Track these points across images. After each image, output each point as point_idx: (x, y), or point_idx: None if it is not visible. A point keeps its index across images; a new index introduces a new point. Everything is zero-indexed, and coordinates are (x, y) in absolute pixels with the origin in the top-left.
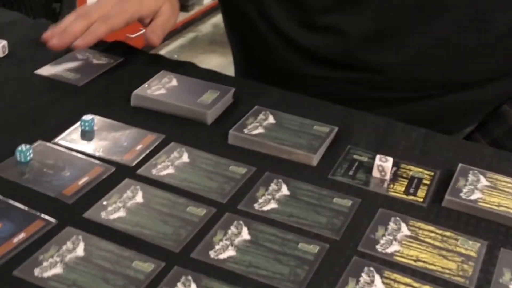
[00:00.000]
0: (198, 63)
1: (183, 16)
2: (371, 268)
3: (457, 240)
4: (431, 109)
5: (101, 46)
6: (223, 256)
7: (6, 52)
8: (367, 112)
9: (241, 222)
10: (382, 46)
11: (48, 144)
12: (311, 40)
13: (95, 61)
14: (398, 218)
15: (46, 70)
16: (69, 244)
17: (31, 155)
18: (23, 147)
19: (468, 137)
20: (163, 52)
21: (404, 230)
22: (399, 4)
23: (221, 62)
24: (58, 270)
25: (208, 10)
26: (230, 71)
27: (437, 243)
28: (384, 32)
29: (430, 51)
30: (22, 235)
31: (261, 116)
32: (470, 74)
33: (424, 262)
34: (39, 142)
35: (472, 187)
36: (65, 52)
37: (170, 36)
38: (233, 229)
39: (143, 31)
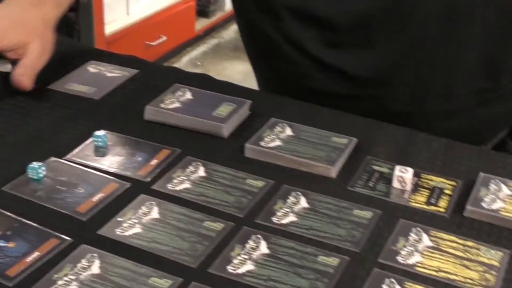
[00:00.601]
0: (222, 70)
1: (204, 23)
2: (392, 280)
3: (479, 249)
4: (460, 124)
5: (114, 60)
6: (241, 270)
7: None
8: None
9: (259, 236)
10: (411, 59)
11: (61, 160)
12: (338, 59)
13: (108, 74)
14: (419, 229)
15: (59, 85)
16: (84, 262)
17: (44, 172)
18: (34, 164)
19: (498, 145)
20: (185, 59)
21: (426, 240)
22: (425, 15)
23: (246, 69)
24: None
25: (230, 16)
26: (254, 78)
27: (459, 253)
28: (413, 45)
29: (460, 62)
30: (36, 254)
31: (277, 129)
32: (501, 85)
33: (446, 272)
34: (52, 159)
35: (493, 196)
36: (76, 66)
37: (192, 43)
38: (251, 243)
39: (164, 38)
